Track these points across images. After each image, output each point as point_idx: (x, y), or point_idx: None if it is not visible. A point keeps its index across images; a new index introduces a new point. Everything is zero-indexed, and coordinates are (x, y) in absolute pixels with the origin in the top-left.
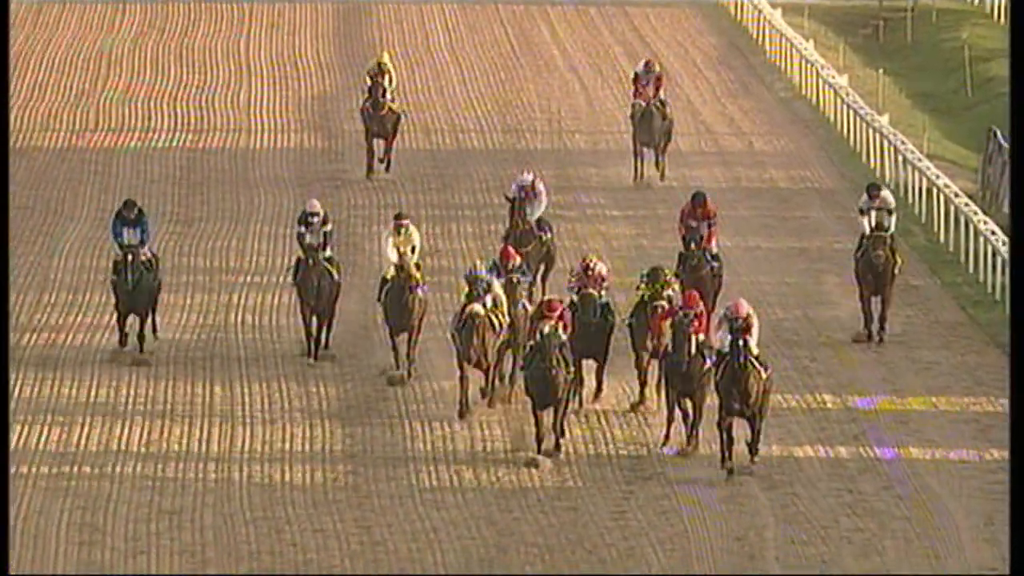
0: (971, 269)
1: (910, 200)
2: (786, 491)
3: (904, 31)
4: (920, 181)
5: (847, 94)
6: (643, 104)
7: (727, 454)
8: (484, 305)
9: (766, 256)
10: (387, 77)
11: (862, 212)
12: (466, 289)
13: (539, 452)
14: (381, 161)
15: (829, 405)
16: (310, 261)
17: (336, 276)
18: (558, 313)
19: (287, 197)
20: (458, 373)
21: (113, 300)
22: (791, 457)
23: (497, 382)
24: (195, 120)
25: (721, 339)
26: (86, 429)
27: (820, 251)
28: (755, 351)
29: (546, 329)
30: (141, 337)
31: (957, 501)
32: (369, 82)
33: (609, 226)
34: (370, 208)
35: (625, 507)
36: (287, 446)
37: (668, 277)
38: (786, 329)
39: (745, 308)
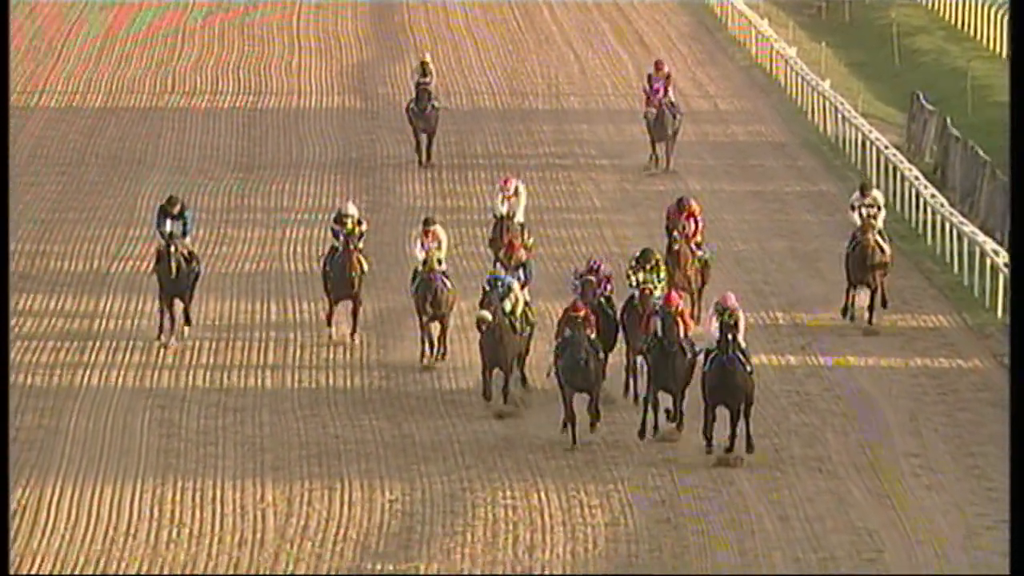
0: (898, 208)
1: (847, 151)
2: None
3: (843, 11)
4: (856, 135)
5: (795, 63)
6: (654, 110)
7: (712, 442)
8: (501, 310)
9: (729, 197)
10: (430, 78)
11: (853, 208)
12: (487, 290)
13: (572, 435)
14: (426, 157)
15: (780, 321)
16: (348, 247)
17: (364, 265)
18: (583, 314)
19: (331, 148)
20: (482, 371)
21: (156, 288)
22: None
23: (518, 383)
24: (254, 84)
25: (712, 332)
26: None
27: (773, 193)
28: (742, 345)
29: (577, 321)
30: (186, 320)
31: (886, 400)
32: (415, 82)
33: (598, 173)
34: (399, 158)
35: (612, 408)
36: (331, 356)
37: (658, 259)
38: (745, 258)
39: (732, 300)
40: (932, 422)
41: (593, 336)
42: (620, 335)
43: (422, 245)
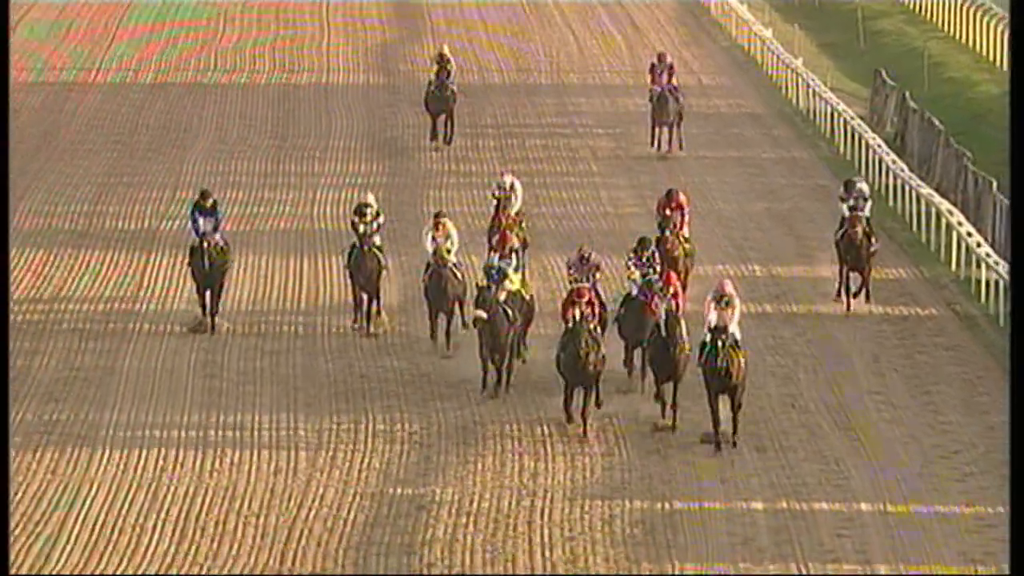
0: (862, 172)
1: (817, 122)
2: None
3: None
4: (825, 107)
5: (771, 43)
6: (658, 90)
7: (712, 429)
8: (496, 299)
9: (711, 163)
10: (448, 64)
11: (842, 200)
12: (484, 280)
13: (570, 422)
14: (446, 138)
15: (758, 273)
16: (364, 248)
17: (383, 260)
18: (587, 299)
19: (357, 120)
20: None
21: (192, 279)
22: None
23: (513, 367)
24: (288, 62)
25: (709, 320)
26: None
27: (751, 159)
28: (737, 336)
29: (578, 313)
30: (213, 312)
31: (852, 344)
32: (435, 68)
33: (596, 141)
34: (417, 128)
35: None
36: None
37: (654, 250)
38: (726, 216)
39: (729, 288)
40: (893, 363)
41: (595, 324)
42: (613, 327)
43: (433, 238)
